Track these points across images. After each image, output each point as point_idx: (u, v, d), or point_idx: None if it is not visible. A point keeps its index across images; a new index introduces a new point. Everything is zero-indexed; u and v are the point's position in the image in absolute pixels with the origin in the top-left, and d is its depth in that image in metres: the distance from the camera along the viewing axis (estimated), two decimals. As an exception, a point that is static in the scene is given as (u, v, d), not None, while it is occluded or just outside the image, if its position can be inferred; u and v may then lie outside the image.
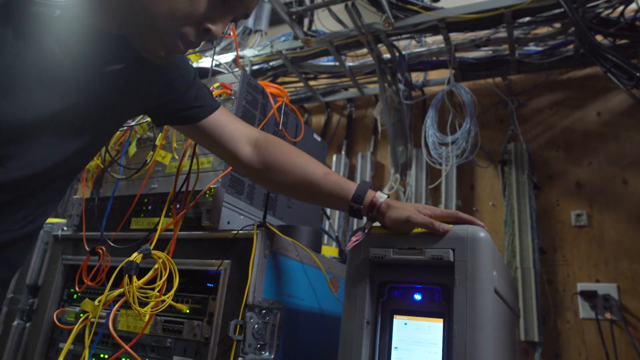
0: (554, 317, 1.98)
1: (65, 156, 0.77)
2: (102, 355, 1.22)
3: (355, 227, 2.34)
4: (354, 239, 0.99)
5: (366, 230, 1.00)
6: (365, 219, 1.03)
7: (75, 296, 1.37)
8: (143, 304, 1.05)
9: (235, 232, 1.10)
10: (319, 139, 1.68)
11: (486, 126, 2.26)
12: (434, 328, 0.97)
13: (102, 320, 1.19)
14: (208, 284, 1.18)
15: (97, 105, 0.79)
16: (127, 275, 1.00)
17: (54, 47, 0.70)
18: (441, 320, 0.96)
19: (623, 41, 1.85)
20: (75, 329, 1.12)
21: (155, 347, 1.14)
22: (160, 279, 1.06)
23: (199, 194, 1.14)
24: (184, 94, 0.98)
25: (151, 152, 1.23)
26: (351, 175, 2.47)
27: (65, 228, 1.45)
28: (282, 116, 1.43)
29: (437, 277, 0.97)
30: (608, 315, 1.90)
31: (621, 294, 1.93)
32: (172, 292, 1.03)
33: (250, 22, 2.82)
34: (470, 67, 2.15)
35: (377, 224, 1.03)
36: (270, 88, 1.44)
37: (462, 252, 0.92)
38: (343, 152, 2.51)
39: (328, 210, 2.40)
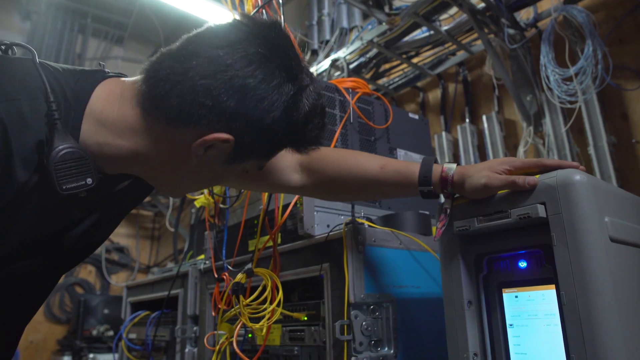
0: None
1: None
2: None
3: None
4: (439, 225, 0.91)
5: (448, 211, 0.92)
6: (442, 197, 0.94)
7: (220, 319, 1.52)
8: (260, 319, 1.12)
9: (326, 234, 1.11)
10: (416, 117, 1.59)
11: (625, 41, 1.88)
12: (547, 297, 0.84)
13: (241, 338, 1.31)
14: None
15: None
16: (234, 295, 1.08)
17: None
18: (553, 286, 0.83)
19: None
20: (216, 350, 1.25)
21: (285, 356, 1.21)
22: (271, 293, 1.12)
23: (289, 206, 1.18)
24: None
25: (243, 178, 1.32)
26: (480, 141, 2.27)
27: (206, 262, 1.62)
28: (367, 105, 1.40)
29: (537, 237, 0.84)
30: None
31: None
32: (277, 300, 1.08)
33: (344, 22, 2.84)
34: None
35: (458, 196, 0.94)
36: (345, 83, 1.43)
37: (554, 204, 0.79)
38: (467, 120, 2.33)
39: None
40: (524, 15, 2.11)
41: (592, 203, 0.77)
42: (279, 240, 1.24)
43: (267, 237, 1.18)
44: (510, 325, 0.88)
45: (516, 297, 0.89)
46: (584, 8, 1.66)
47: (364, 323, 1.04)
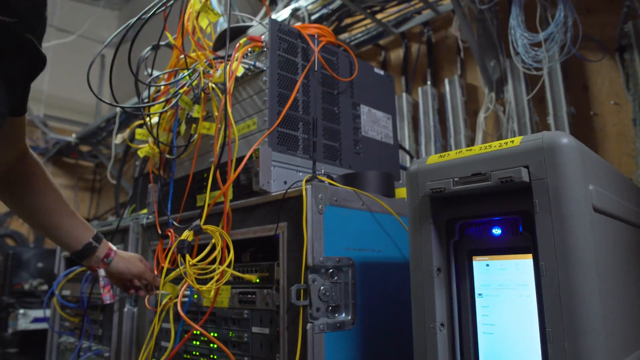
0: None
1: None
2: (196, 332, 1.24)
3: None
4: (106, 292, 1.17)
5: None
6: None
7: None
8: (208, 280, 1.03)
9: (284, 191, 1.01)
10: (381, 72, 1.50)
11: (592, 11, 1.85)
12: (522, 266, 0.80)
13: (185, 299, 1.21)
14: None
15: None
16: (179, 254, 0.97)
17: None
18: (530, 255, 0.78)
19: None
20: (158, 311, 1.14)
21: (235, 319, 1.12)
22: (221, 252, 1.02)
23: (243, 160, 1.07)
24: None
25: (194, 125, 1.19)
26: (441, 105, 2.22)
27: (149, 217, 1.49)
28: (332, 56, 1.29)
29: (515, 203, 0.78)
30: None
31: None
32: (227, 260, 0.98)
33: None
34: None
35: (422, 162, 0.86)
36: (309, 29, 1.30)
37: (539, 168, 0.73)
38: (429, 83, 2.27)
39: (407, 146, 2.20)
40: (495, -25, 2.03)
41: (579, 169, 0.72)
42: (231, 196, 1.14)
43: (218, 192, 1.07)
44: (480, 294, 0.83)
45: (487, 265, 0.84)
46: (559, -30, 1.60)
47: (322, 288, 0.97)
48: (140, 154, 1.42)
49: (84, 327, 1.62)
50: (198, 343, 1.22)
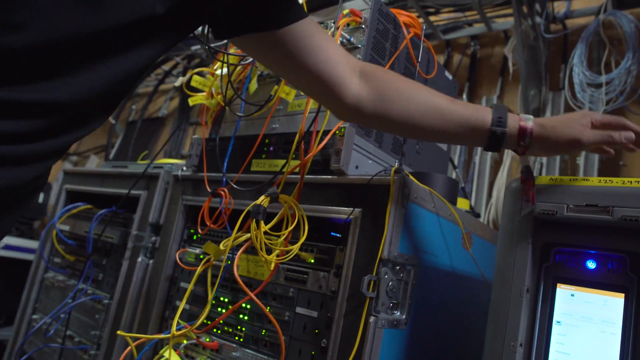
0: None
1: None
2: (222, 299, 1.20)
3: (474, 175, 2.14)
4: (529, 188, 0.81)
5: (531, 170, 0.82)
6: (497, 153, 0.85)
7: (195, 237, 1.35)
8: (268, 251, 0.99)
9: (370, 177, 0.98)
10: (450, 77, 1.48)
11: (644, 65, 1.89)
12: (611, 304, 0.80)
13: (220, 264, 1.16)
14: (332, 233, 1.09)
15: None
16: (254, 219, 0.93)
17: None
18: (622, 295, 0.78)
19: None
20: (198, 270, 1.09)
21: (277, 295, 1.09)
22: (287, 226, 0.98)
23: (328, 134, 1.03)
24: None
25: (275, 87, 1.13)
26: (472, 122, 2.23)
27: (184, 168, 1.42)
28: (415, 50, 1.26)
29: (623, 242, 0.78)
30: None
31: None
32: (302, 241, 0.95)
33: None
34: (630, -8, 1.78)
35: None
36: (402, 17, 1.27)
37: (664, 213, 0.73)
38: (464, 96, 2.27)
39: (455, 160, 2.20)
40: (556, 7, 2.04)
41: (703, 222, 0.72)
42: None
43: (297, 162, 1.02)
44: (558, 322, 0.83)
45: (572, 295, 0.84)
46: (634, 18, 1.62)
47: (390, 283, 0.94)
48: (191, 102, 1.35)
49: (86, 269, 1.53)
50: (223, 311, 1.17)
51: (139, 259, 1.42)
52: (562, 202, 0.80)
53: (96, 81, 0.54)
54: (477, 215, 1.38)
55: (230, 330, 1.15)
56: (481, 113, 0.82)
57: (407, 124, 0.84)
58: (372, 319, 0.91)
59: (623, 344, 0.75)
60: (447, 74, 1.47)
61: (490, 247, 1.37)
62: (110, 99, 0.60)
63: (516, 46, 1.94)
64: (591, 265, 0.82)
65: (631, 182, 0.77)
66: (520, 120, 0.81)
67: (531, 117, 0.81)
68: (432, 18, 2.29)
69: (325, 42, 0.78)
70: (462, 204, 1.32)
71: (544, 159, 1.95)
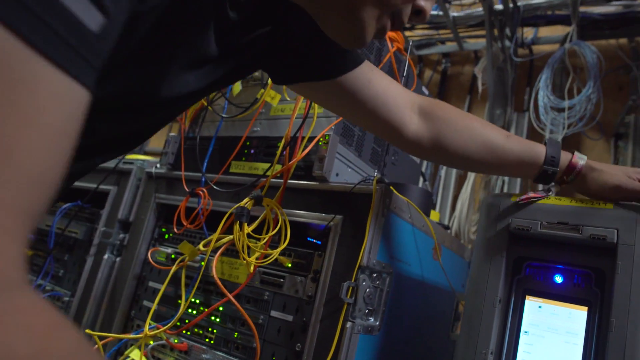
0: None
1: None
2: (193, 300, 1.18)
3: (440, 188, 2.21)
4: (532, 195, 0.85)
5: (550, 193, 0.87)
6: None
7: (167, 236, 1.33)
8: (248, 254, 0.99)
9: (353, 185, 1.00)
10: (426, 92, 1.53)
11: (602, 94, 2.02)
12: (575, 316, 0.85)
13: (195, 265, 1.15)
14: (309, 239, 1.11)
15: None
16: (238, 222, 0.93)
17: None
18: (585, 308, 0.83)
19: None
20: (172, 270, 1.08)
21: (251, 298, 1.09)
22: (269, 229, 0.98)
23: (312, 141, 1.04)
24: (312, 38, 0.72)
25: (262, 90, 1.14)
26: (440, 137, 2.30)
27: (158, 166, 1.40)
28: (398, 64, 1.29)
29: (589, 259, 0.83)
30: None
31: None
32: (284, 245, 0.95)
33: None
34: (592, 24, 1.90)
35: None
36: (384, 31, 1.30)
37: (628, 234, 0.78)
38: (432, 111, 2.34)
39: (424, 171, 2.26)
40: (524, 33, 2.15)
41: (662, 244, 0.78)
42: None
43: (280, 167, 1.03)
44: (526, 332, 0.88)
45: (540, 307, 0.88)
46: (596, 49, 1.73)
47: (367, 290, 0.97)
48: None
49: (46, 265, 1.48)
50: (194, 312, 1.16)
51: (105, 256, 1.39)
52: (536, 219, 0.85)
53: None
54: (447, 228, 1.43)
55: (201, 332, 1.14)
56: (535, 150, 0.85)
57: (464, 160, 0.88)
58: (349, 324, 0.93)
59: (585, 354, 0.80)
60: (424, 89, 1.51)
61: (456, 258, 1.42)
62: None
63: (486, 67, 2.03)
64: (558, 279, 0.87)
65: (600, 204, 0.83)
66: (574, 157, 0.85)
67: (585, 156, 0.85)
68: (407, 33, 2.35)
69: (383, 85, 0.81)
70: (433, 215, 1.36)
71: (507, 178, 2.04)
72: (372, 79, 0.79)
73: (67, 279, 1.49)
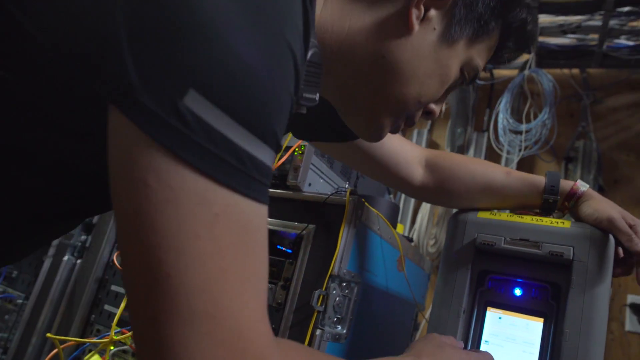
0: (600, 325, 1.91)
1: None
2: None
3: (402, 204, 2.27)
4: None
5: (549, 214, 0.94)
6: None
7: (132, 239, 1.31)
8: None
9: (327, 196, 1.02)
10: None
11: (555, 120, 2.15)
12: (532, 327, 0.90)
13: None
14: (278, 247, 1.12)
15: None
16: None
17: None
18: (541, 319, 0.89)
19: None
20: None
21: (220, 304, 1.09)
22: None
23: (288, 151, 1.06)
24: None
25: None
26: (403, 152, 2.37)
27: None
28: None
29: (547, 273, 0.89)
30: (657, 332, 1.84)
31: (673, 312, 1.86)
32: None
33: None
34: (549, 54, 2.02)
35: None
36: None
37: (582, 251, 0.85)
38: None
39: None
40: (485, 57, 2.25)
41: (612, 260, 0.85)
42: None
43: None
44: (486, 341, 0.93)
45: (500, 318, 0.94)
46: (552, 78, 1.84)
47: (337, 299, 0.99)
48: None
49: (-1, 264, 1.41)
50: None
51: (65, 258, 1.35)
52: (500, 234, 0.90)
53: None
54: (411, 240, 1.48)
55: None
56: (535, 183, 0.93)
57: (469, 201, 0.98)
58: (318, 331, 0.95)
59: (541, 361, 0.86)
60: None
61: (418, 270, 1.47)
62: None
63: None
64: (518, 292, 0.93)
65: (558, 222, 0.89)
66: (575, 184, 0.91)
67: (587, 185, 0.91)
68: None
69: (394, 145, 0.93)
70: (399, 228, 1.41)
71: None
72: (385, 141, 0.88)
73: (22, 281, 1.43)
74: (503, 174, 0.95)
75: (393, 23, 0.58)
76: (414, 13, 0.58)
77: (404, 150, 0.95)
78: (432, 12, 0.60)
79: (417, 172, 0.97)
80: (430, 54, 0.60)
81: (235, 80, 0.36)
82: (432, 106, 0.67)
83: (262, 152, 0.38)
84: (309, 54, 0.48)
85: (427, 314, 1.35)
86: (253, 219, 0.38)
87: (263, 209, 0.40)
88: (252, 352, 0.36)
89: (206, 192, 0.35)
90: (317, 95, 0.53)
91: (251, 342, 0.36)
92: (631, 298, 1.92)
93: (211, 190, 0.35)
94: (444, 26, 0.61)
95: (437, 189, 0.97)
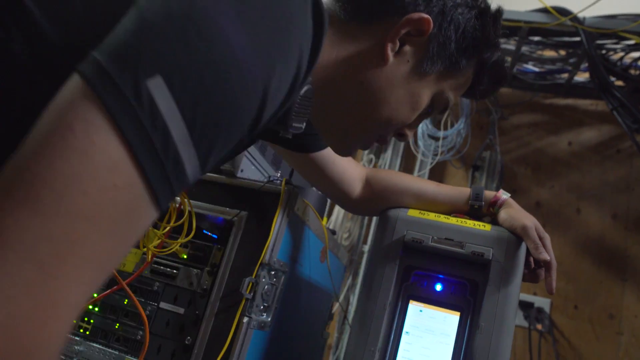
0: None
1: None
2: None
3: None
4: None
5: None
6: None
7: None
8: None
9: (262, 184, 1.01)
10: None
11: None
12: (449, 320, 0.97)
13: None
14: (204, 231, 1.09)
15: None
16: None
17: None
18: (458, 313, 0.96)
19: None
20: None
21: (138, 288, 1.03)
22: (172, 219, 0.95)
23: (226, 134, 1.03)
24: None
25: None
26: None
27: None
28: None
29: (466, 271, 0.96)
30: (539, 327, 2.05)
31: (552, 310, 2.09)
32: (189, 237, 0.93)
33: None
34: (467, 68, 2.16)
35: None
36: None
37: (500, 252, 0.92)
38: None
39: None
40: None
41: (523, 261, 0.94)
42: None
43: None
44: (407, 332, 0.98)
45: (420, 311, 0.99)
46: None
47: (266, 287, 0.98)
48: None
49: None
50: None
51: None
52: (428, 233, 0.95)
53: None
54: (334, 232, 1.51)
55: (74, 321, 1.04)
56: (462, 192, 1.04)
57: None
58: (245, 319, 0.94)
59: (454, 353, 0.92)
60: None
61: (337, 262, 1.50)
62: None
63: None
64: (438, 287, 0.99)
65: (480, 225, 0.96)
66: (498, 192, 1.01)
67: (509, 194, 1.02)
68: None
69: (342, 165, 1.04)
70: (324, 220, 1.43)
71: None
72: (337, 159, 1.02)
73: None
74: (434, 184, 1.07)
75: (372, 54, 0.64)
76: (389, 46, 0.64)
77: (350, 169, 1.06)
78: (407, 47, 0.66)
79: (357, 188, 1.08)
80: (402, 84, 0.66)
81: (206, 93, 0.38)
82: (405, 130, 0.75)
83: (190, 162, 0.39)
84: (303, 90, 0.53)
85: (339, 304, 1.39)
86: (141, 213, 0.38)
87: (153, 213, 0.39)
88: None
89: (119, 162, 0.35)
90: (304, 123, 0.59)
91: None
92: (520, 296, 2.12)
93: (125, 163, 0.35)
94: (417, 60, 0.66)
95: (375, 199, 1.06)
